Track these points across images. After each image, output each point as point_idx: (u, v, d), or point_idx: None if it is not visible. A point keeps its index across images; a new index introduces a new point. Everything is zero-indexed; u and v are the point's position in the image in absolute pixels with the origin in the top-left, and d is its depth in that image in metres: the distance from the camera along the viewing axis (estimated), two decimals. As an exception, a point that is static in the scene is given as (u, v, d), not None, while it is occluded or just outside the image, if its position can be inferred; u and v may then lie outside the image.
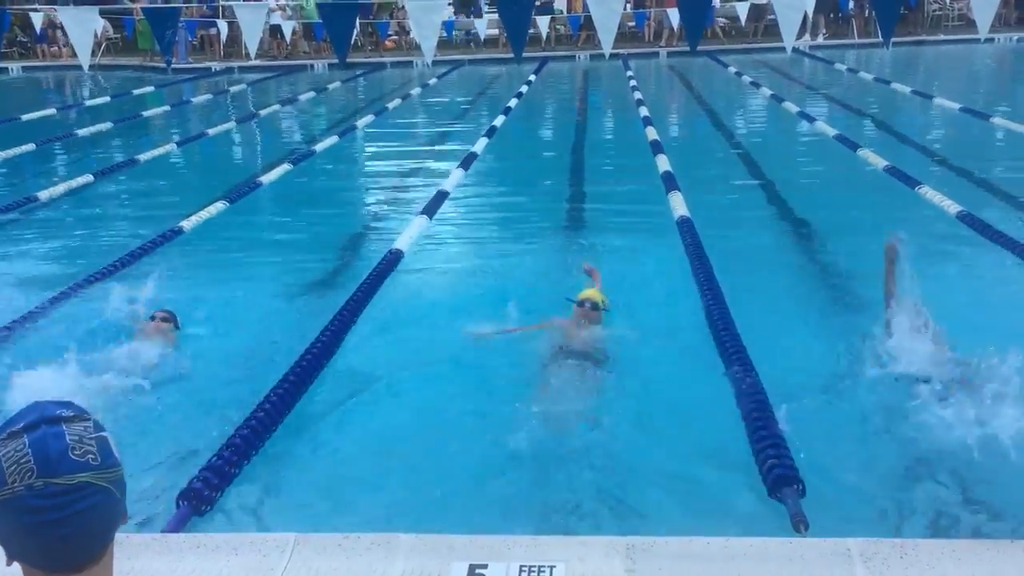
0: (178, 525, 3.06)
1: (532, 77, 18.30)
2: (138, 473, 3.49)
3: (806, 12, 18.68)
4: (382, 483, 3.65)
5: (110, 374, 4.35)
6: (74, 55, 18.52)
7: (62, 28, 20.72)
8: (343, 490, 3.60)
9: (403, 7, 20.98)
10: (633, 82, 16.55)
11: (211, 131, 12.86)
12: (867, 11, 21.78)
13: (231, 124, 13.86)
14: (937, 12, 23.85)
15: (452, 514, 3.33)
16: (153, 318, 4.94)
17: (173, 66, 21.67)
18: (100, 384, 4.22)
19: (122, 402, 4.17)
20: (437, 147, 12.11)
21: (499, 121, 12.58)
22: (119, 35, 25.10)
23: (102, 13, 21.40)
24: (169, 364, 4.64)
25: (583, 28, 22.45)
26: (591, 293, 4.94)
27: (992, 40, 20.07)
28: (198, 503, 3.19)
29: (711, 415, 3.97)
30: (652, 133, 10.71)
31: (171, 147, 11.56)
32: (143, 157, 10.52)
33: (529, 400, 4.10)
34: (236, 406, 4.01)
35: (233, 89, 19.02)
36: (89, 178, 9.27)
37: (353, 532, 2.66)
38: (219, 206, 7.71)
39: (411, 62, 21.75)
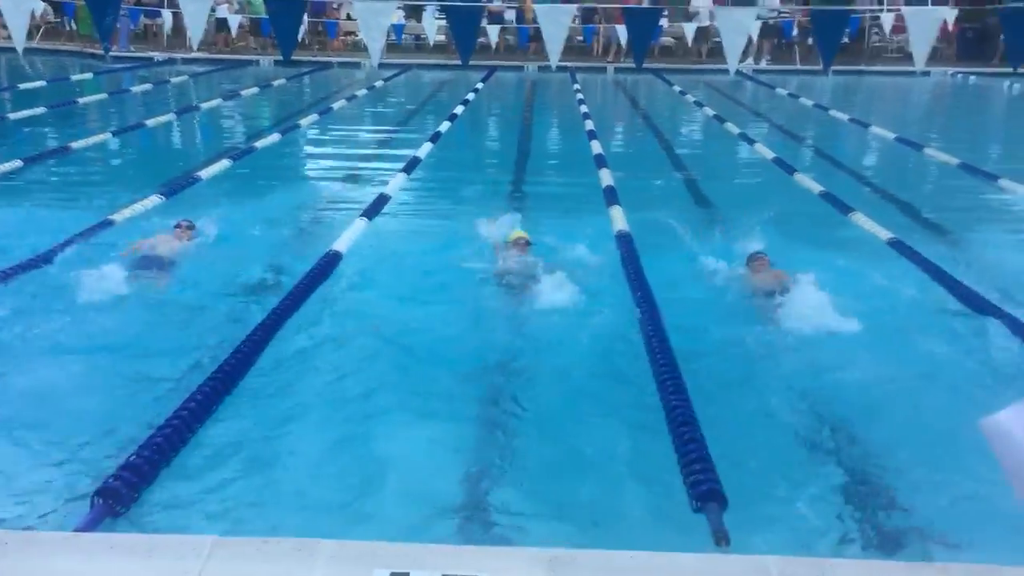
0: (92, 524, 2.97)
1: (480, 85, 18.32)
2: (51, 467, 3.40)
3: (750, 36, 19.07)
4: (310, 485, 3.59)
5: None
6: (9, 37, 18.00)
7: (-1, 9, 20.12)
8: (266, 492, 3.53)
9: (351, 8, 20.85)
10: (580, 95, 16.68)
11: (149, 122, 12.61)
12: (810, 39, 22.30)
13: (171, 116, 13.59)
14: (877, 44, 24.50)
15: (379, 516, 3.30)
16: None
17: (113, 54, 21.21)
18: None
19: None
20: (381, 150, 12.05)
21: (445, 127, 12.56)
22: (59, 19, 24.52)
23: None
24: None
25: (533, 39, 22.55)
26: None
27: (928, 74, 20.69)
28: (114, 502, 3.10)
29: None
30: (596, 147, 10.80)
31: (107, 136, 11.30)
32: (76, 145, 10.26)
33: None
34: (162, 404, 3.93)
35: (174, 80, 18.66)
36: (17, 163, 9.00)
37: (274, 536, 2.61)
38: (153, 200, 7.55)
39: (359, 63, 21.60)
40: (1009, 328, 5.10)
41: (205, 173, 9.00)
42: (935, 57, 21.23)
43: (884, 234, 6.96)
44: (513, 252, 6.19)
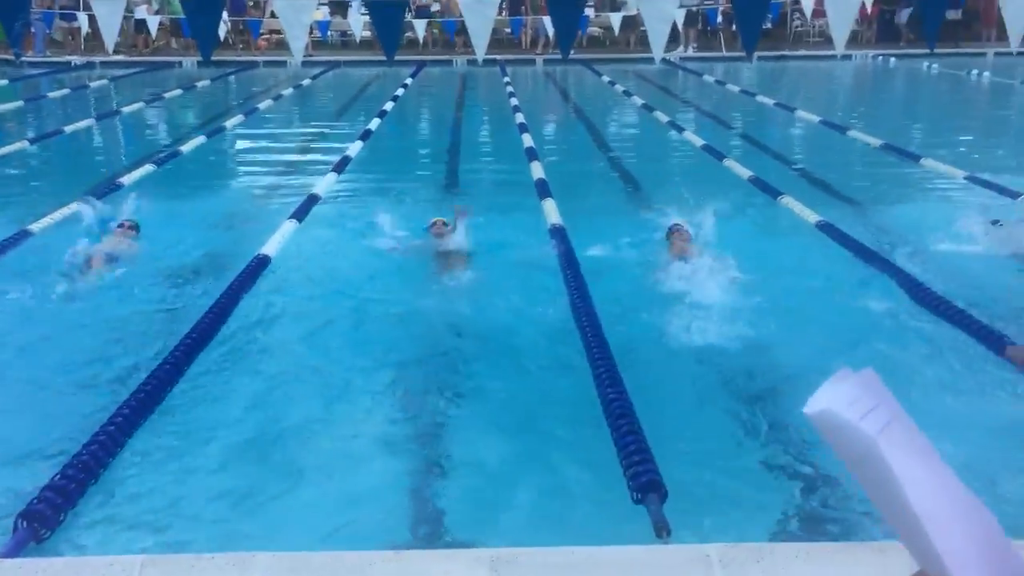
0: (16, 549, 2.86)
1: (408, 80, 18.20)
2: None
3: (675, 24, 19.24)
4: (241, 498, 3.51)
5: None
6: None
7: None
8: (197, 505, 3.44)
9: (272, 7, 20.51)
10: (509, 88, 16.66)
11: (68, 128, 12.23)
12: (734, 26, 22.58)
13: (91, 121, 13.23)
14: (799, 28, 24.93)
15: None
16: None
17: (29, 59, 20.59)
18: None
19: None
20: (309, 149, 11.88)
21: (374, 124, 12.43)
22: (-32, 25, 23.70)
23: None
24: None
25: (460, 33, 22.45)
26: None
27: (849, 57, 21.12)
28: (39, 525, 2.99)
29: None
30: (527, 140, 10.79)
31: (23, 144, 10.94)
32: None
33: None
34: (88, 419, 3.81)
35: (94, 84, 18.17)
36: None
37: (206, 552, 2.54)
38: (73, 207, 7.32)
39: (284, 62, 21.27)
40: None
41: (127, 179, 8.76)
42: (856, 40, 21.68)
43: (812, 217, 7.07)
44: (433, 236, 6.58)
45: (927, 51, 18.01)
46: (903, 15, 23.94)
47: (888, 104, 17.05)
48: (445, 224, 6.70)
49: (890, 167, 9.91)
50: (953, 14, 22.58)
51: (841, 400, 0.92)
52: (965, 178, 8.63)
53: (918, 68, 20.65)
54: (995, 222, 6.58)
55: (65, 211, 7.19)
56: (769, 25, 22.61)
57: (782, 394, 4.33)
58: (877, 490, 0.91)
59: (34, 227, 6.70)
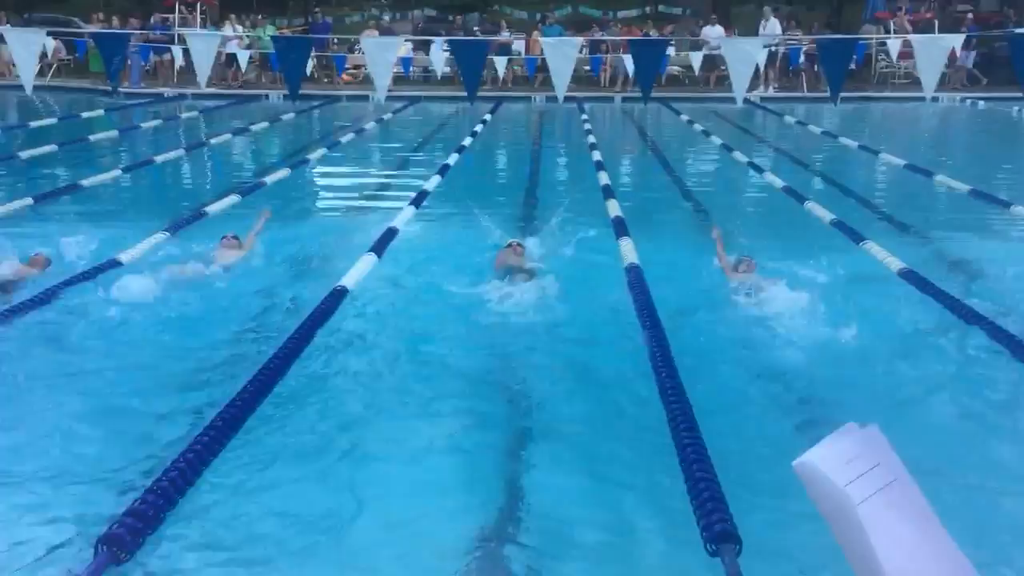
0: (96, 573, 2.92)
1: (488, 116, 18.39)
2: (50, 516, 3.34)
3: (758, 64, 19.12)
4: (323, 532, 3.54)
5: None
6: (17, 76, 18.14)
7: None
8: (267, 538, 3.47)
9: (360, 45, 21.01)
10: (587, 125, 16.70)
11: (159, 158, 12.65)
12: (816, 66, 22.33)
13: (180, 151, 13.66)
14: (885, 70, 24.52)
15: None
16: None
17: (125, 90, 21.41)
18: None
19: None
20: (389, 183, 12.06)
21: (453, 159, 12.57)
22: (71, 57, 24.81)
23: (51, 34, 21.10)
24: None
25: (540, 70, 22.65)
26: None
27: (937, 100, 20.67)
28: (118, 549, 3.04)
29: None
30: (604, 178, 10.78)
31: (117, 173, 11.35)
32: (87, 182, 10.31)
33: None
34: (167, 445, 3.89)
35: (184, 116, 18.80)
36: (28, 201, 9.04)
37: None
38: (160, 237, 7.54)
39: (367, 96, 21.72)
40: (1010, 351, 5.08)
41: (213, 208, 9.01)
42: (942, 82, 21.22)
43: (896, 264, 6.88)
44: (508, 258, 6.82)
45: (1019, 94, 17.57)
46: (968, 58, 23.29)
47: (976, 148, 16.60)
48: (520, 246, 7.05)
49: (978, 212, 9.62)
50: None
51: (837, 457, 0.90)
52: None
53: (1007, 112, 20.10)
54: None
55: (152, 241, 7.39)
56: (853, 66, 22.27)
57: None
58: (850, 545, 0.90)
59: (123, 257, 6.89)
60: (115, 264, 6.73)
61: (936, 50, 14.18)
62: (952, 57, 20.39)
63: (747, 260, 6.68)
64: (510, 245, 7.03)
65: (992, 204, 9.73)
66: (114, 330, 5.54)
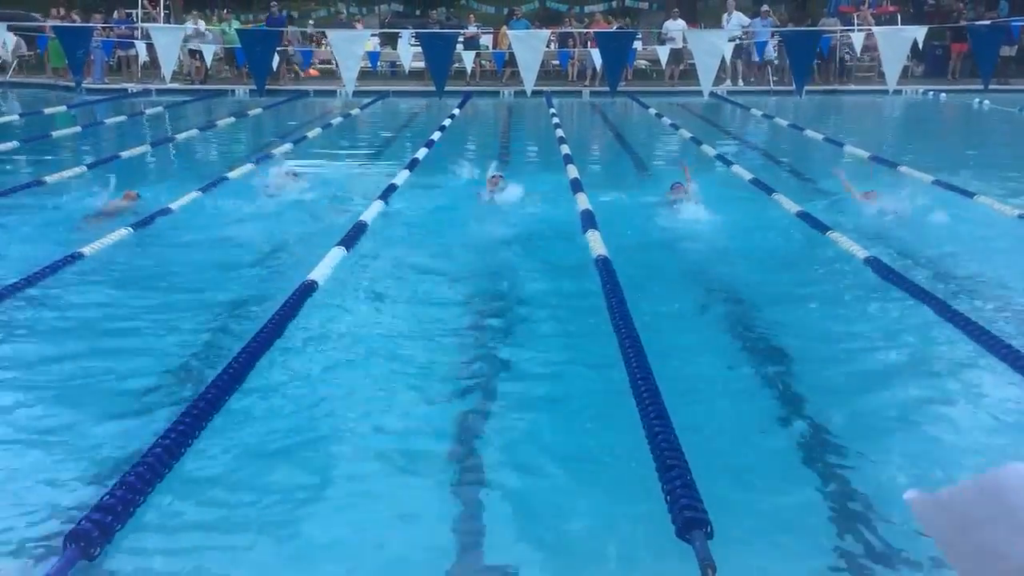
0: (63, 571, 2.88)
1: (456, 111, 18.35)
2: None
3: (724, 58, 19.25)
4: (297, 523, 3.52)
5: None
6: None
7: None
8: (241, 530, 3.45)
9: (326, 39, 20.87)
10: (556, 119, 16.72)
11: (124, 154, 12.49)
12: (777, 59, 22.52)
13: (145, 147, 13.50)
14: (848, 63, 24.77)
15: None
16: None
17: (88, 86, 21.12)
18: None
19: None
20: (357, 177, 11.99)
21: (421, 153, 12.53)
22: (32, 52, 24.46)
23: (11, 29, 20.79)
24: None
25: (508, 64, 22.65)
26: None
27: (900, 92, 20.92)
28: (87, 545, 3.01)
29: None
30: (572, 171, 10.79)
31: (81, 169, 11.19)
32: (50, 179, 10.15)
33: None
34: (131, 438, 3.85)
35: (149, 112, 18.58)
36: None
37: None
38: (122, 232, 7.45)
39: (334, 91, 21.58)
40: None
41: (176, 205, 8.90)
42: (904, 75, 21.49)
43: (861, 252, 6.97)
44: (489, 189, 8.23)
45: (979, 87, 17.81)
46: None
47: (939, 139, 16.82)
48: (501, 177, 8.35)
49: (942, 203, 9.72)
50: (1008, 50, 22.35)
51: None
52: (1020, 216, 8.46)
53: (968, 104, 20.38)
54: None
55: (116, 235, 7.31)
56: (818, 60, 22.47)
57: (848, 429, 4.27)
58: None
59: (86, 250, 6.81)
60: (78, 258, 6.65)
61: (899, 43, 14.32)
62: (915, 49, 20.65)
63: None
64: (492, 178, 8.04)
65: (955, 194, 9.85)
66: (75, 323, 5.46)
